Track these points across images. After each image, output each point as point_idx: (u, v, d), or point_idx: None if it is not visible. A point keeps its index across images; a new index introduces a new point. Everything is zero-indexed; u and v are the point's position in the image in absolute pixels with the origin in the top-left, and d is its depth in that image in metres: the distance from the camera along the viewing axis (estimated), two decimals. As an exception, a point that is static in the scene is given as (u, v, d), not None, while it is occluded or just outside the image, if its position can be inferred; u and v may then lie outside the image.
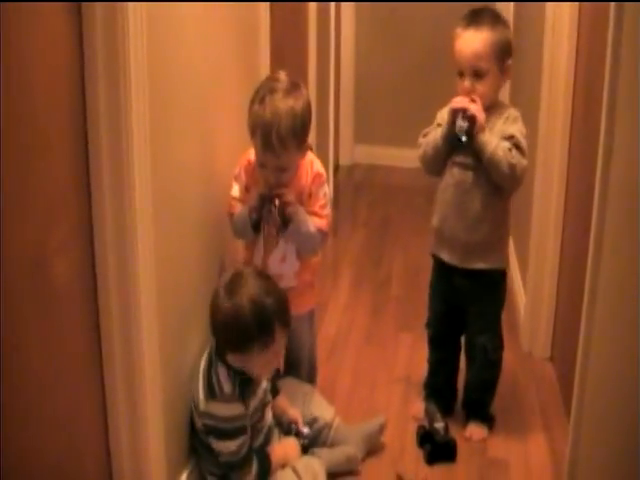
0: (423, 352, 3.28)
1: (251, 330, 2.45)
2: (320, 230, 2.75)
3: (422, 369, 3.29)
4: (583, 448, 2.41)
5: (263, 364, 2.56)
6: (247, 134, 2.68)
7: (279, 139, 2.54)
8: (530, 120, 3.18)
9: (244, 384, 2.54)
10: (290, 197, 2.66)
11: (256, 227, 2.73)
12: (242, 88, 3.01)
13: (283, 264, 2.79)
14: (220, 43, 2.83)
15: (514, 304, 4.04)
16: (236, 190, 2.76)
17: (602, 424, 2.23)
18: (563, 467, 2.57)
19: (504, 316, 3.15)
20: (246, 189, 2.75)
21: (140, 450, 2.23)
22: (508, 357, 3.25)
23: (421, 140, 3.00)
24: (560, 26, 3.37)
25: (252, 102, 2.62)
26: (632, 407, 1.91)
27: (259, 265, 2.77)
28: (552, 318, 3.64)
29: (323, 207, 2.76)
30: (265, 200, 2.67)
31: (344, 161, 6.50)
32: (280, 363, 2.76)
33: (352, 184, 6.20)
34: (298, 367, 3.01)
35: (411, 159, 3.09)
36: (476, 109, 2.78)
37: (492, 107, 2.86)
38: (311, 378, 3.07)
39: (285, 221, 2.68)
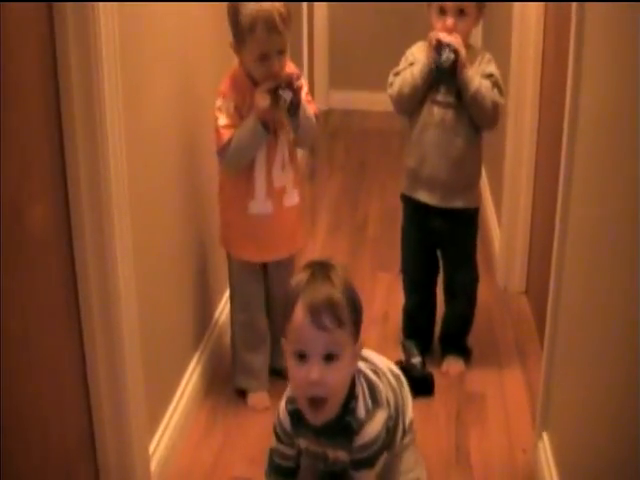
0: (401, 291, 3.32)
1: None
2: (315, 114, 2.83)
3: (400, 307, 3.34)
4: (556, 379, 2.48)
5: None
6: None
7: (281, 18, 2.62)
8: (502, 60, 3.20)
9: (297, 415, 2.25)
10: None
11: (267, 129, 2.70)
12: (217, 46, 3.04)
13: (283, 173, 2.81)
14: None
15: (489, 240, 4.10)
16: (223, 119, 2.71)
17: (574, 355, 2.28)
18: (538, 398, 2.64)
19: (479, 252, 3.21)
20: (235, 109, 2.72)
21: (119, 394, 2.27)
22: (484, 292, 3.31)
23: (392, 79, 2.98)
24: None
25: (236, 9, 2.65)
26: (604, 338, 1.96)
27: (263, 184, 2.77)
28: (527, 253, 3.70)
29: (308, 94, 2.82)
30: (276, 92, 2.65)
31: (319, 107, 6.47)
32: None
33: (328, 129, 6.20)
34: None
35: (386, 103, 3.10)
36: (459, 44, 2.80)
37: (467, 48, 2.87)
38: None
39: (296, 107, 2.69)
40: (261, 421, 2.84)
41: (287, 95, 2.63)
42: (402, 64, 2.99)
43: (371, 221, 4.56)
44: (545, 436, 2.53)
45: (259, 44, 2.64)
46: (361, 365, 2.25)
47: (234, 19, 2.66)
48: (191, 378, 2.89)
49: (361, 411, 2.15)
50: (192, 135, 2.95)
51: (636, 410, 1.68)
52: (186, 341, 2.94)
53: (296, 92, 2.66)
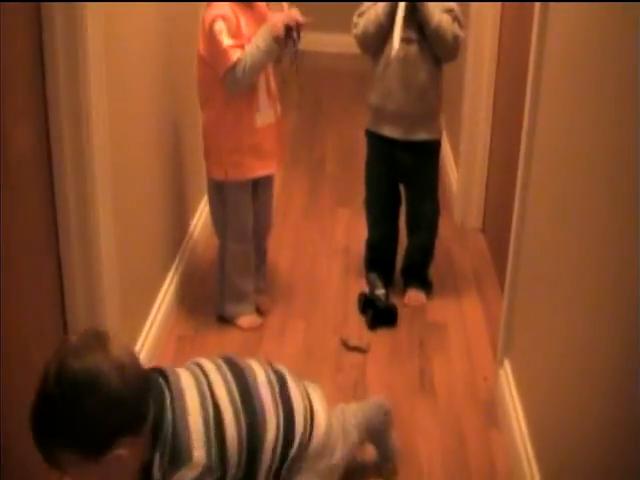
0: (361, 225, 3.39)
1: None
2: None
3: (361, 241, 3.40)
4: (517, 307, 2.55)
5: None
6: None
7: None
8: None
9: None
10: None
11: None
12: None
13: (273, 80, 2.93)
14: None
15: (446, 178, 4.16)
16: (228, 39, 2.73)
17: (536, 284, 2.34)
18: (497, 327, 2.73)
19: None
20: (237, 28, 2.76)
21: (96, 319, 2.29)
22: (442, 229, 3.37)
23: (357, 19, 3.06)
24: None
25: None
26: (567, 268, 2.01)
27: (264, 93, 2.86)
28: (483, 191, 3.77)
29: None
30: (288, 30, 2.77)
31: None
32: None
33: (280, 69, 6.17)
34: (268, 233, 3.18)
35: (340, 44, 3.18)
36: None
37: None
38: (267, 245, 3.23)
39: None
40: (230, 350, 2.85)
41: (295, 41, 2.79)
42: (365, 4, 3.06)
43: (328, 158, 4.60)
44: (506, 362, 2.61)
45: None
46: (182, 419, 1.77)
47: None
48: (162, 305, 2.95)
49: (157, 474, 1.73)
50: (170, 63, 3.02)
51: (597, 335, 1.75)
52: (159, 261, 3.00)
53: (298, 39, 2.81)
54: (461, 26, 2.98)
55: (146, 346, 2.71)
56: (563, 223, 2.07)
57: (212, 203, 3.03)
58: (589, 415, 1.80)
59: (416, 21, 2.94)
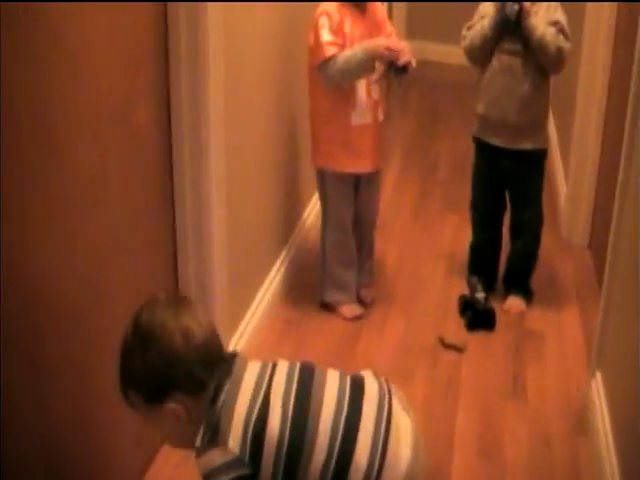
0: (468, 232, 3.46)
1: None
2: None
3: (466, 247, 3.47)
4: (612, 321, 2.58)
5: None
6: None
7: None
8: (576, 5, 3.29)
9: None
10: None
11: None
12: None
13: (378, 86, 3.00)
14: None
15: (555, 192, 4.19)
16: (327, 35, 2.88)
17: (630, 299, 2.35)
18: (594, 339, 2.75)
19: (545, 203, 3.32)
20: (338, 26, 2.89)
21: (206, 293, 2.44)
22: (547, 243, 3.42)
23: (465, 32, 3.19)
24: None
25: None
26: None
27: (363, 94, 2.95)
28: (592, 207, 3.78)
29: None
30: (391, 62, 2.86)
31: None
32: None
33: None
34: (372, 228, 3.27)
35: (460, 56, 3.28)
36: None
37: None
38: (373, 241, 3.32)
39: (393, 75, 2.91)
40: (331, 337, 3.05)
41: (400, 74, 2.87)
42: (474, 18, 3.20)
43: (442, 164, 4.68)
44: (598, 374, 2.65)
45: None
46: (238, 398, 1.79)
47: None
48: (270, 287, 3.09)
49: (198, 442, 1.78)
50: (287, 53, 3.16)
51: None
52: (271, 245, 3.15)
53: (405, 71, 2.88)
54: (567, 38, 3.04)
55: (250, 326, 2.85)
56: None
57: (317, 190, 3.19)
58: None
59: (521, 34, 3.03)
